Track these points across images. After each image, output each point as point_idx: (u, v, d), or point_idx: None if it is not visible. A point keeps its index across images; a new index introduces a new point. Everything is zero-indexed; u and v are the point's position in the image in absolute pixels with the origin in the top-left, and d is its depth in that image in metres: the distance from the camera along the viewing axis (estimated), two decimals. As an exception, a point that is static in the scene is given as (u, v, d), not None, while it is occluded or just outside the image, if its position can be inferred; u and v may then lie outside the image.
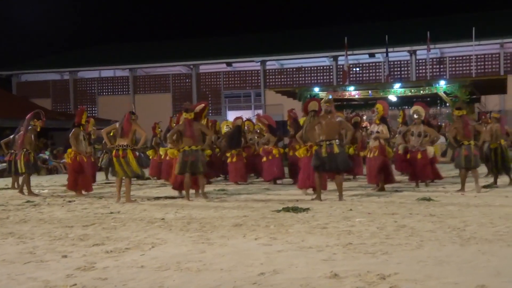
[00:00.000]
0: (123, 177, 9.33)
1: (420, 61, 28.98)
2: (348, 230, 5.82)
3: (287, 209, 7.45)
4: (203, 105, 10.38)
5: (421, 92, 21.92)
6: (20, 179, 11.77)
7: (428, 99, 23.92)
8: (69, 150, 10.95)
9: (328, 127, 8.79)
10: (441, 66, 29.40)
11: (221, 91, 32.57)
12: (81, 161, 10.64)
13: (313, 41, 31.97)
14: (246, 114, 20.76)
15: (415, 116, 10.75)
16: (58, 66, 35.41)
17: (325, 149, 8.69)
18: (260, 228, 6.10)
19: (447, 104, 21.65)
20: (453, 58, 29.18)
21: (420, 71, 29.17)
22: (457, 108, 9.94)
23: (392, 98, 22.53)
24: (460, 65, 29.00)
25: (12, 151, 12.16)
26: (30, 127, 11.41)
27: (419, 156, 10.62)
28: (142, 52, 35.66)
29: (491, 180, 11.32)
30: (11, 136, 12.44)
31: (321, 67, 31.41)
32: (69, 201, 9.64)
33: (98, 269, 4.34)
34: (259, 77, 31.71)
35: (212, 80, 33.00)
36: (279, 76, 32.05)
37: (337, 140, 8.80)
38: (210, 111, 32.20)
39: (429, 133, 10.73)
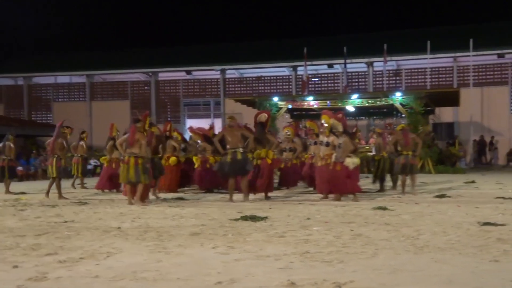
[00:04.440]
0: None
1: (377, 72, 29.56)
2: (306, 238, 5.86)
3: (245, 218, 7.46)
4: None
5: (378, 103, 22.39)
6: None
7: (385, 110, 24.48)
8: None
9: (232, 138, 10.27)
10: (397, 78, 30.09)
11: (180, 99, 32.39)
12: None
13: (273, 51, 32.20)
14: (205, 122, 20.71)
15: (333, 130, 10.34)
16: (12, 71, 34.48)
17: (230, 156, 10.17)
18: (218, 237, 6.07)
19: (403, 115, 22.15)
20: (409, 71, 29.91)
21: (377, 82, 29.75)
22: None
23: (350, 108, 22.95)
24: (416, 77, 29.74)
25: (4, 157, 13.39)
26: (60, 134, 11.70)
27: (338, 167, 10.05)
28: (100, 58, 35.10)
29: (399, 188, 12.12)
30: (0, 144, 13.55)
31: (281, 77, 31.64)
32: (21, 210, 9.37)
33: (51, 279, 4.22)
34: (219, 86, 31.70)
35: (172, 88, 32.78)
36: (239, 85, 32.12)
37: (240, 149, 10.21)
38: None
39: (347, 144, 10.11)
